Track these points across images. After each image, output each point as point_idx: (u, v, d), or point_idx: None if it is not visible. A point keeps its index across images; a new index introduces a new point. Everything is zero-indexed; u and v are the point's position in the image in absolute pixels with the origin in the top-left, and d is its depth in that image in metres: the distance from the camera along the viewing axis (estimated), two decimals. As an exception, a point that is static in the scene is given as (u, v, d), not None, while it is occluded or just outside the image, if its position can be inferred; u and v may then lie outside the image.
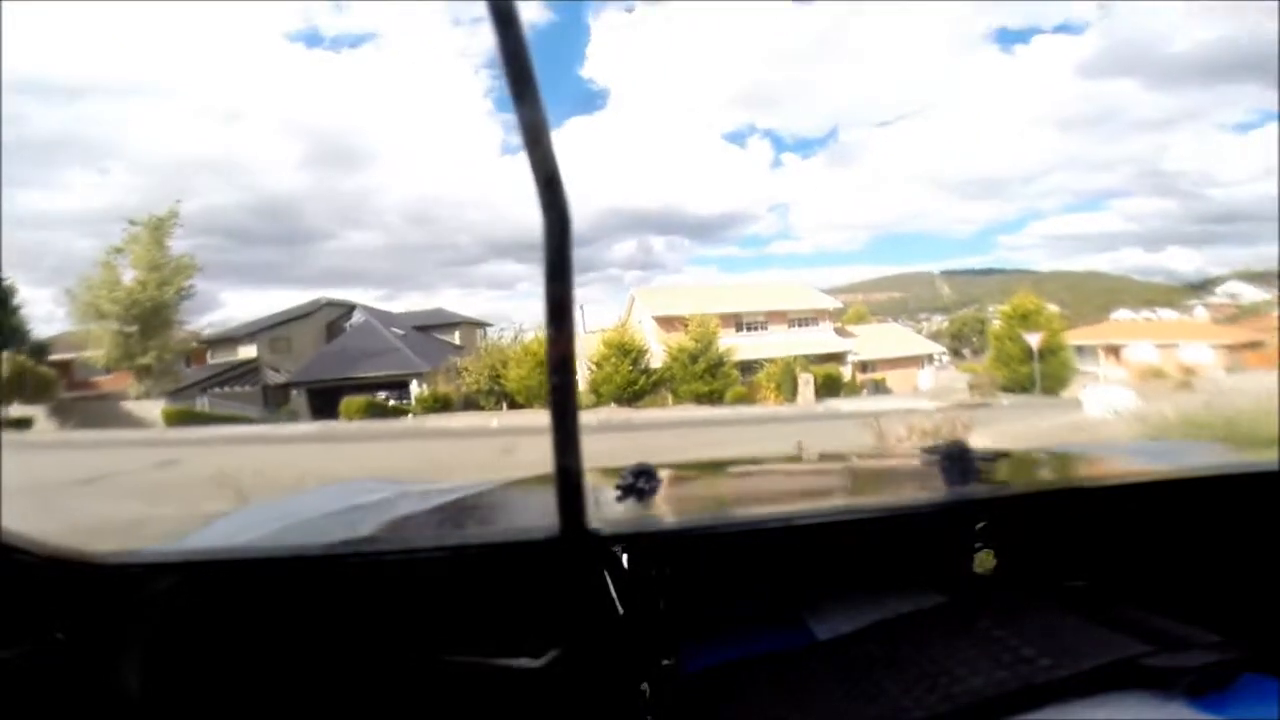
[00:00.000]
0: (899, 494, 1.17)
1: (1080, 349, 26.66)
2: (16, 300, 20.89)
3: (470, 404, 20.28)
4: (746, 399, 19.42)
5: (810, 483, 1.36)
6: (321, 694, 0.73)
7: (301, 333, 25.48)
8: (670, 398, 19.13)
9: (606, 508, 0.92)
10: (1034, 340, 20.61)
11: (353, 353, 22.51)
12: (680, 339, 19.99)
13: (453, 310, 31.12)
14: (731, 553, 0.90)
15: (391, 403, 20.58)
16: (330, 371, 21.69)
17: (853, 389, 21.81)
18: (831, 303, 27.66)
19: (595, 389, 19.46)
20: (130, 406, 19.49)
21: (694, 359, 19.49)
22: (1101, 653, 0.63)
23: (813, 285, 30.40)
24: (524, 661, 0.73)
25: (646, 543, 0.85)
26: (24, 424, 16.94)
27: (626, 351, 19.17)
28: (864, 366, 24.16)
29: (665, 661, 0.77)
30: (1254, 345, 27.38)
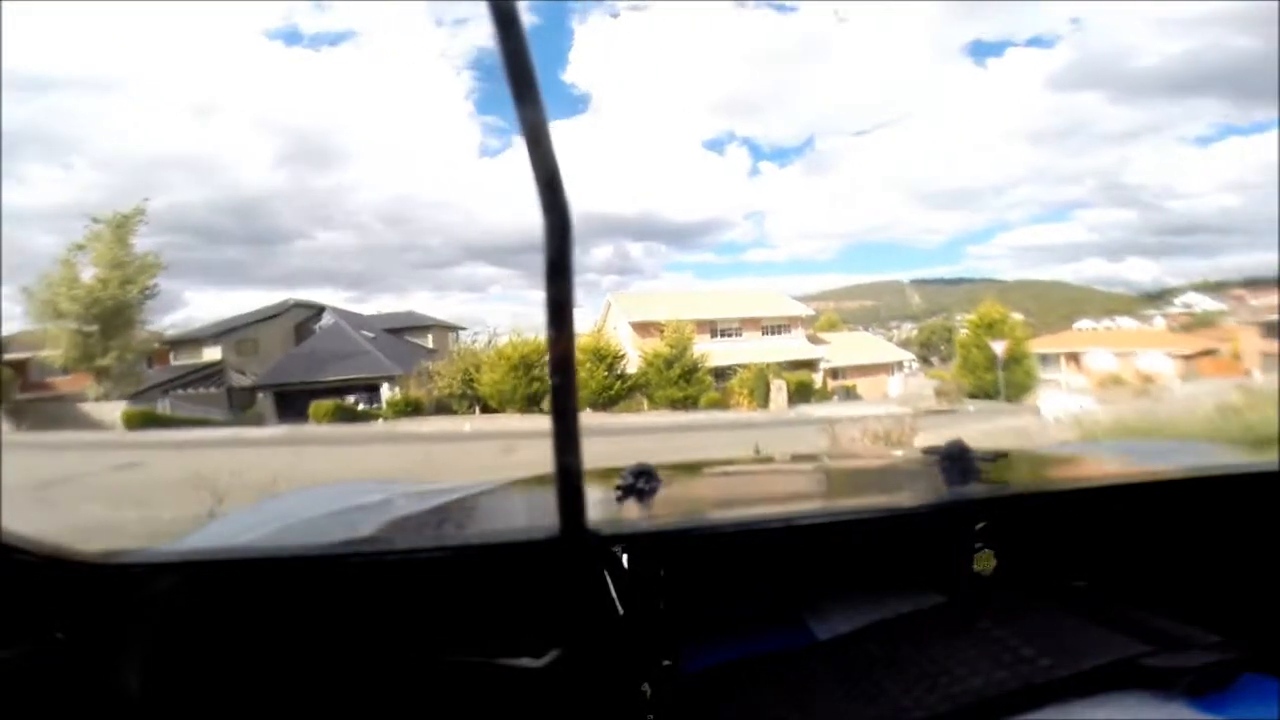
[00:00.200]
0: (881, 493, 1.17)
1: (1044, 357, 27.44)
2: (-31, 298, 20.12)
3: (442, 408, 20.06)
4: (721, 404, 19.55)
5: (783, 484, 1.39)
6: (322, 694, 0.73)
7: (269, 334, 24.95)
8: (646, 403, 19.17)
9: (606, 508, 0.92)
10: (999, 348, 21.16)
11: (322, 355, 22.11)
12: (656, 345, 20.05)
13: (425, 313, 30.81)
14: (731, 553, 0.90)
15: (361, 406, 20.26)
16: (298, 374, 21.27)
17: (824, 395, 22.09)
18: (804, 310, 28.03)
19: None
20: (89, 408, 18.88)
21: (669, 365, 19.57)
22: (1101, 653, 0.63)
23: (786, 293, 30.75)
24: (525, 661, 0.73)
25: (646, 543, 0.84)
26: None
27: (602, 357, 19.16)
28: (835, 373, 24.49)
29: (665, 661, 0.77)
30: (1209, 353, 28.43)
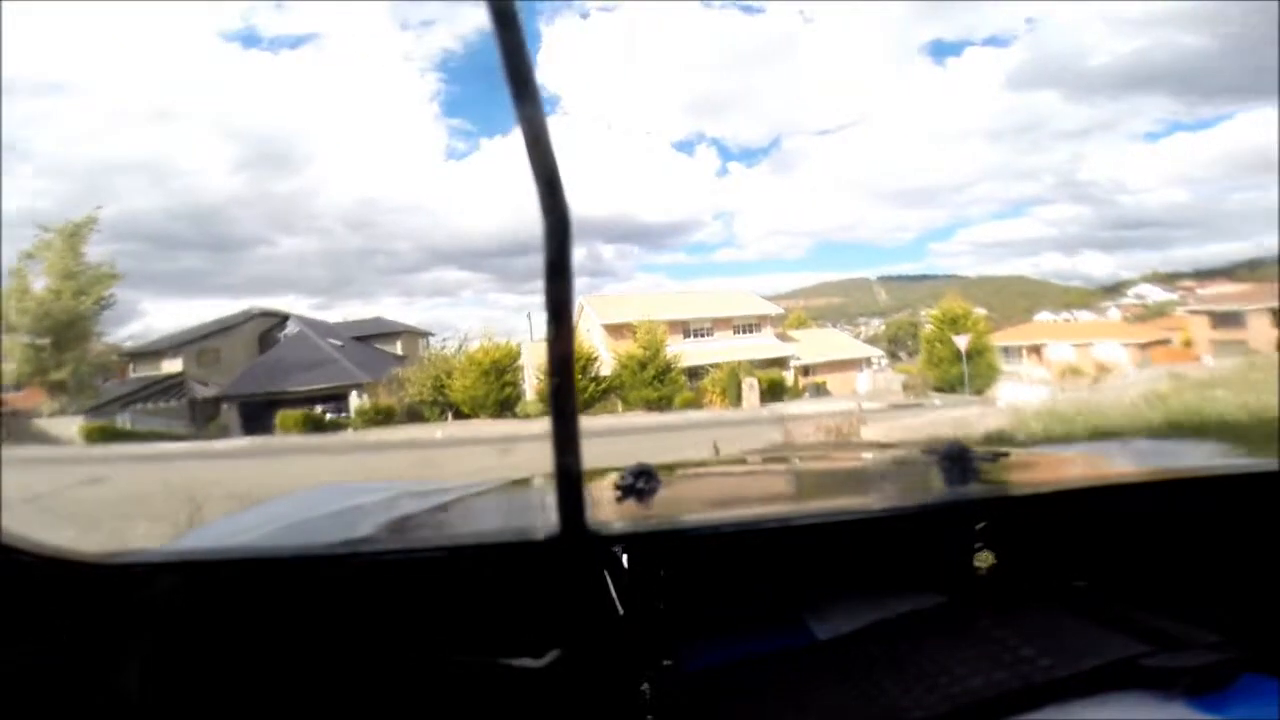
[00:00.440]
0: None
1: (1006, 349, 28.21)
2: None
3: (414, 415, 19.81)
4: (695, 404, 19.68)
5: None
6: (322, 694, 0.73)
7: (231, 344, 24.33)
8: (620, 405, 19.20)
9: (606, 508, 0.92)
10: (962, 342, 21.72)
11: (287, 365, 21.65)
12: (629, 346, 20.10)
13: (393, 319, 30.34)
14: (731, 553, 0.89)
15: (330, 416, 19.89)
16: (264, 385, 20.81)
17: (795, 392, 22.38)
18: (774, 309, 28.33)
19: (545, 398, 19.31)
20: (44, 424, 18.19)
21: (643, 366, 19.63)
22: (1101, 653, 0.63)
23: (756, 292, 31.03)
24: (525, 661, 0.73)
25: (646, 543, 0.84)
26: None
27: (575, 360, 19.10)
28: (805, 370, 24.81)
29: (665, 661, 0.76)
30: (1161, 343, 29.54)
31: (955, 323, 22.95)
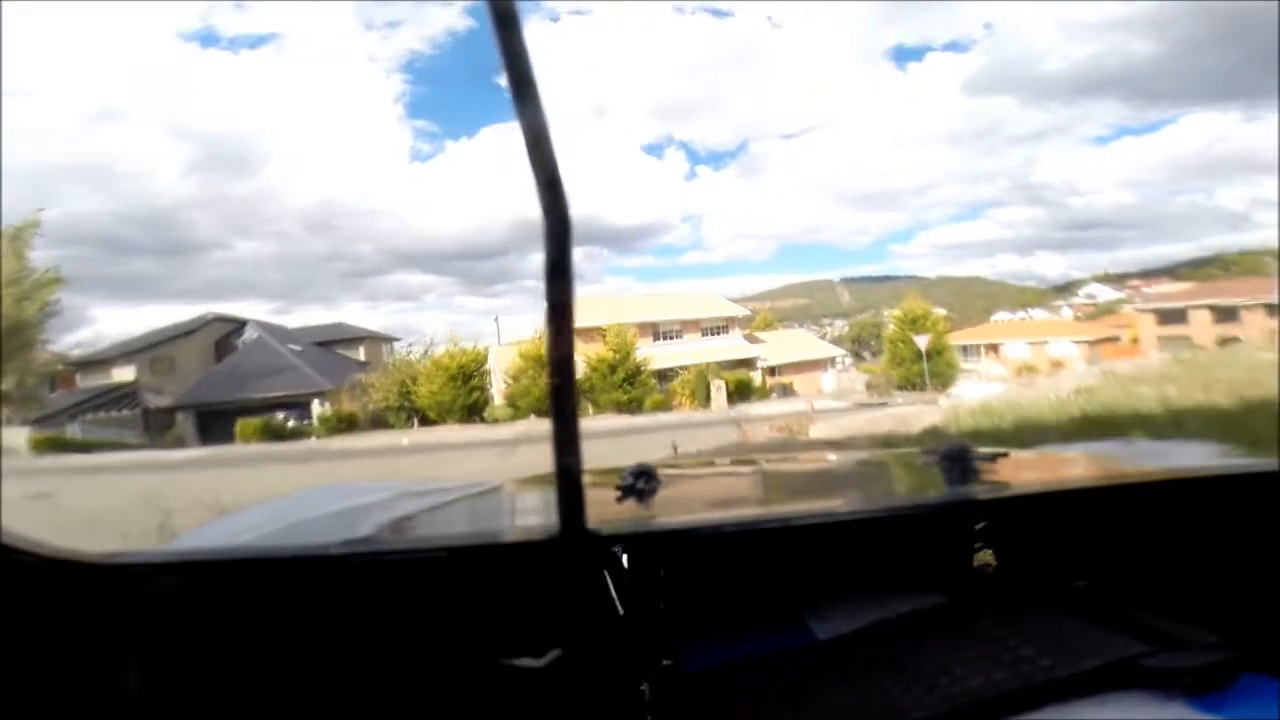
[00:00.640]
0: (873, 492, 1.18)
1: (965, 348, 29.03)
2: None
3: (378, 422, 19.47)
4: (665, 406, 19.76)
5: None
6: (322, 694, 0.72)
7: (186, 351, 23.65)
8: (590, 408, 19.16)
9: (606, 508, 0.92)
10: (923, 342, 22.28)
11: (246, 372, 21.15)
12: (599, 350, 20.09)
13: (355, 324, 29.83)
14: (731, 553, 0.89)
15: (292, 424, 19.41)
16: (221, 393, 20.28)
17: (762, 393, 22.66)
18: (741, 311, 28.71)
19: (513, 402, 19.20)
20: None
21: (613, 369, 19.65)
22: (1101, 653, 0.63)
23: (724, 294, 31.39)
24: (525, 661, 0.73)
25: (646, 543, 0.84)
26: None
27: (544, 364, 18.96)
28: (772, 371, 25.16)
29: (665, 661, 0.76)
30: (1110, 340, 30.76)
31: (916, 323, 23.55)
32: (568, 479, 0.55)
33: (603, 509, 0.90)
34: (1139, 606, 0.72)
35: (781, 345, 27.73)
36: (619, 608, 0.77)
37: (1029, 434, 7.36)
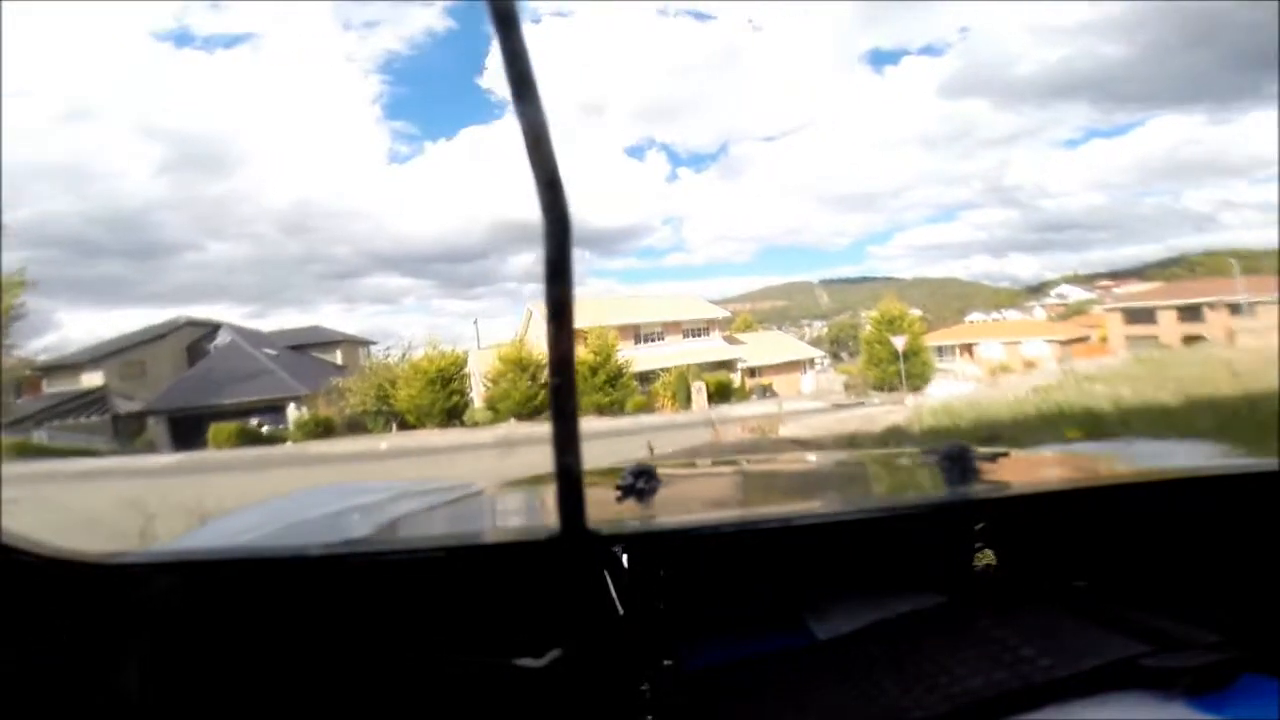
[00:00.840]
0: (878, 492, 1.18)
1: (940, 349, 29.48)
2: None
3: (356, 426, 19.23)
4: (646, 408, 19.79)
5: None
6: (322, 694, 0.73)
7: (157, 356, 23.15)
8: (571, 410, 19.09)
9: (606, 508, 0.91)
10: (899, 343, 22.58)
11: (219, 376, 20.76)
12: (580, 352, 20.06)
13: (332, 327, 29.44)
14: (731, 553, 0.89)
15: (267, 429, 19.10)
16: (193, 398, 19.89)
17: (742, 394, 22.80)
18: (721, 313, 28.85)
19: (492, 406, 19.10)
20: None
21: (594, 371, 19.62)
22: (1101, 653, 0.63)
23: (704, 295, 31.56)
24: (525, 661, 0.73)
25: (646, 543, 0.84)
26: None
27: (524, 367, 18.96)
28: (752, 372, 25.33)
29: (665, 661, 0.76)
30: (1080, 340, 31.45)
31: (893, 324, 23.84)
32: (568, 479, 0.55)
33: (603, 509, 0.90)
34: (1139, 606, 0.72)
35: (761, 347, 27.92)
36: (619, 608, 0.76)
37: (984, 431, 7.58)
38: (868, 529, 0.88)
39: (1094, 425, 6.53)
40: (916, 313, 28.34)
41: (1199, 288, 31.75)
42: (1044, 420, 7.67)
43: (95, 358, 22.36)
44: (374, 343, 28.05)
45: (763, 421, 12.01)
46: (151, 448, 18.46)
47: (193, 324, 25.03)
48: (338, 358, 25.83)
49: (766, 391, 23.55)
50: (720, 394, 21.15)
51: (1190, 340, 21.03)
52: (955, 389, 15.85)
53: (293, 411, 19.83)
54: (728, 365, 24.44)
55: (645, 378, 21.71)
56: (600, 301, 26.33)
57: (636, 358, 21.73)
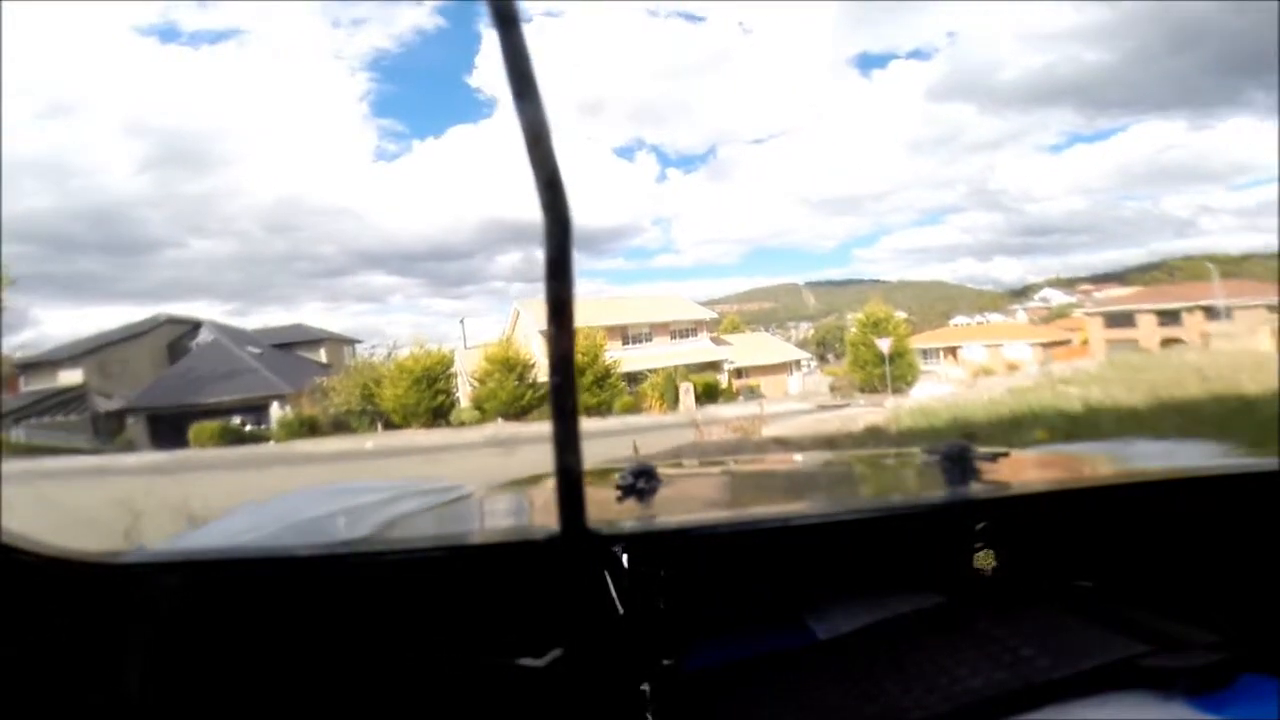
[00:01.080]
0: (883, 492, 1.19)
1: (925, 351, 29.77)
2: None
3: (340, 426, 19.07)
4: (633, 409, 19.81)
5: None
6: (322, 694, 0.72)
7: (137, 354, 22.80)
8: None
9: (606, 508, 0.91)
10: (884, 345, 22.79)
11: (201, 375, 20.52)
12: (566, 352, 20.00)
13: (316, 326, 29.16)
14: (731, 553, 0.89)
15: (250, 428, 18.89)
16: (175, 396, 19.64)
17: (729, 395, 22.89)
18: (709, 314, 28.95)
19: (479, 405, 19.02)
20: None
21: (581, 372, 19.60)
22: (1101, 653, 0.63)
23: (692, 297, 31.65)
24: (525, 661, 0.73)
25: (646, 543, 0.83)
26: None
27: (511, 367, 18.91)
28: (739, 373, 25.43)
29: (665, 661, 0.76)
30: (1061, 343, 31.88)
31: (878, 326, 24.04)
32: (568, 479, 0.54)
33: (603, 509, 0.90)
34: (1139, 606, 0.73)
35: (748, 348, 28.04)
36: (619, 608, 0.76)
37: (959, 431, 7.65)
38: (868, 529, 0.88)
39: (1064, 426, 6.66)
40: (902, 315, 28.62)
41: (1178, 292, 32.24)
42: (1017, 421, 7.80)
43: (74, 355, 21.99)
44: (359, 341, 27.89)
45: (746, 422, 12.14)
46: (131, 446, 18.20)
47: (174, 321, 24.71)
48: (322, 356, 25.60)
49: (754, 393, 23.66)
50: (707, 395, 21.22)
51: (1168, 344, 21.39)
52: (936, 390, 16.06)
53: (276, 410, 19.63)
54: (715, 366, 24.53)
55: (633, 378, 21.73)
56: (588, 302, 26.31)
57: (624, 358, 21.74)
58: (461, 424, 18.47)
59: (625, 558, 0.80)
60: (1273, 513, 0.81)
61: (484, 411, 18.76)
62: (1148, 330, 28.64)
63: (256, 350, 22.77)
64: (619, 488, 0.96)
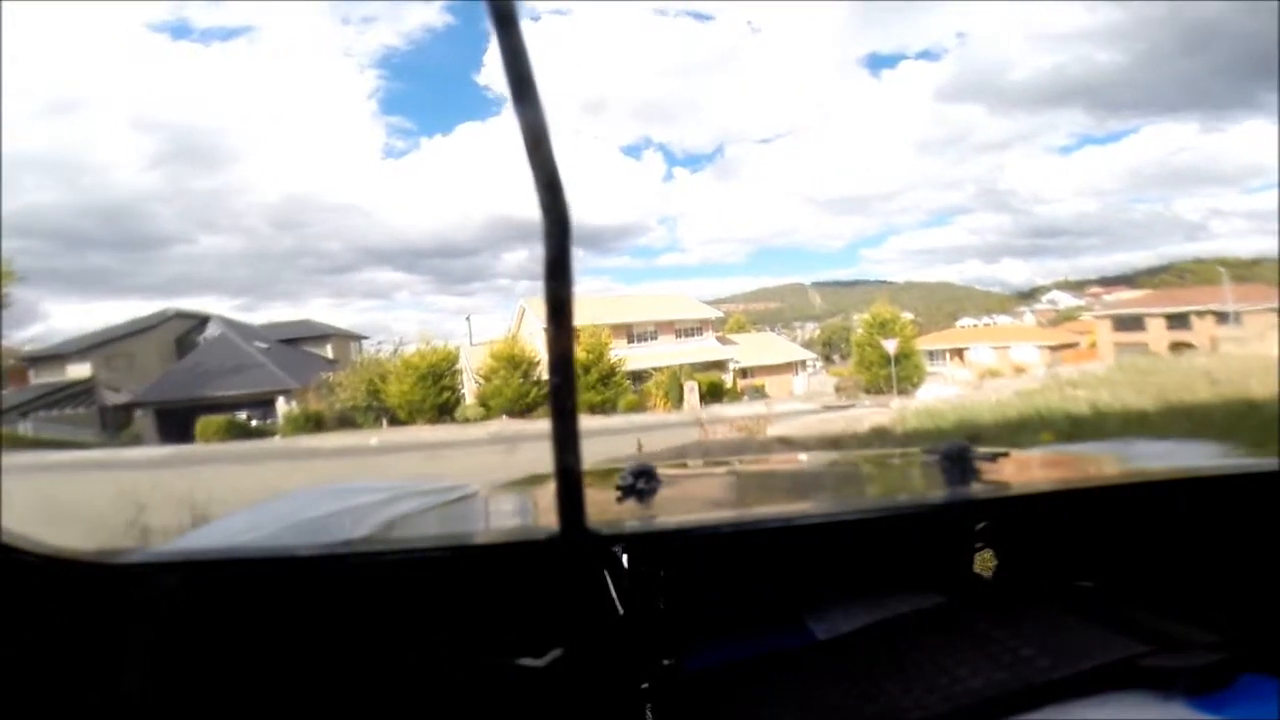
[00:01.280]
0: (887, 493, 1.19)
1: (931, 353, 29.65)
2: None
3: (346, 421, 19.15)
4: (638, 407, 19.82)
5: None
6: (322, 694, 0.72)
7: (146, 348, 22.95)
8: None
9: (606, 508, 0.91)
10: (890, 346, 22.71)
11: (208, 369, 20.63)
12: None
13: (323, 321, 29.27)
14: (731, 553, 0.89)
15: (255, 423, 18.99)
16: (182, 391, 19.74)
17: (734, 394, 22.86)
18: (714, 313, 28.94)
19: (484, 402, 19.07)
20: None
21: (586, 370, 19.62)
22: (1101, 653, 0.63)
23: (698, 296, 31.65)
24: (525, 661, 0.73)
25: (646, 543, 0.83)
26: None
27: (516, 364, 18.94)
28: (744, 373, 25.41)
29: (665, 661, 0.76)
30: (1069, 346, 31.72)
31: (884, 327, 23.98)
32: (568, 479, 0.54)
33: (603, 509, 0.90)
34: (1139, 606, 0.73)
35: (753, 348, 28.01)
36: (619, 608, 0.76)
37: (965, 433, 7.64)
38: (868, 529, 0.88)
39: (1071, 429, 6.65)
40: (908, 316, 28.57)
41: (1188, 295, 32.06)
42: (1023, 423, 7.80)
43: (82, 349, 22.13)
44: (366, 337, 27.99)
45: (750, 422, 12.18)
46: (138, 440, 18.31)
47: (182, 316, 24.84)
48: (329, 352, 25.69)
49: (759, 393, 23.63)
50: (712, 394, 21.21)
51: (1177, 348, 21.26)
52: (942, 392, 16.05)
53: (282, 406, 19.73)
54: (720, 366, 24.51)
55: (637, 377, 21.73)
56: (594, 300, 26.33)
57: (629, 357, 21.75)
58: (466, 420, 18.52)
59: (625, 558, 0.80)
60: (1273, 513, 0.81)
61: (489, 408, 18.81)
62: (1157, 334, 28.48)
63: (264, 345, 22.86)
64: (619, 488, 0.96)
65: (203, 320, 24.61)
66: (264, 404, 19.88)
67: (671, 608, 0.85)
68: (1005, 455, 1.08)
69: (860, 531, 0.88)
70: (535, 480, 1.31)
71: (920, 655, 0.69)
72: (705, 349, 25.44)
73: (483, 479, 1.38)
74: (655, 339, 25.14)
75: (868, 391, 22.57)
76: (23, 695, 0.60)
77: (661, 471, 1.02)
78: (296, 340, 25.70)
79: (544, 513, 1.00)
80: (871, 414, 12.58)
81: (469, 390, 20.61)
